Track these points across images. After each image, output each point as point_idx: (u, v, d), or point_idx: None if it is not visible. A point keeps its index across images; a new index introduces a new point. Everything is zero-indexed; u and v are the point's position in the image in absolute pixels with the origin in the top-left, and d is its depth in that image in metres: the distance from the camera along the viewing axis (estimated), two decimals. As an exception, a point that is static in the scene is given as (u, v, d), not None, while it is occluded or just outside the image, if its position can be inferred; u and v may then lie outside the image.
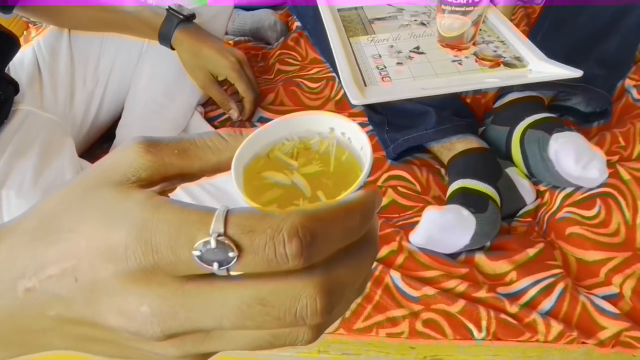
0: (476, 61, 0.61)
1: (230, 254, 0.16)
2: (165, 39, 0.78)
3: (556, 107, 0.84)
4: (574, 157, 0.68)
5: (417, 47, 0.64)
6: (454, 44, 0.62)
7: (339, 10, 0.71)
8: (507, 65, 0.60)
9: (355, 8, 0.72)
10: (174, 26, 0.77)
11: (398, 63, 0.61)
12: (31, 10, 0.76)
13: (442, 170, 0.79)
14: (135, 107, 0.83)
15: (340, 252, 0.18)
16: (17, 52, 0.70)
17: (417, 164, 0.81)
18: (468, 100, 0.88)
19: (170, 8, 0.78)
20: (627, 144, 0.77)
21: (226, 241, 0.16)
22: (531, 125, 0.74)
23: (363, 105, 0.88)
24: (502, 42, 0.63)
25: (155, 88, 0.82)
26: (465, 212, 0.65)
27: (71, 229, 0.19)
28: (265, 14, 1.09)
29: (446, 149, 0.77)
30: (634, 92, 0.86)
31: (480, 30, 0.62)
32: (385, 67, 0.60)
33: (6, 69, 0.69)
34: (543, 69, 0.56)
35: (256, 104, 0.88)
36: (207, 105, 0.92)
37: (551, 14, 0.85)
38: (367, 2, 0.73)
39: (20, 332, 0.21)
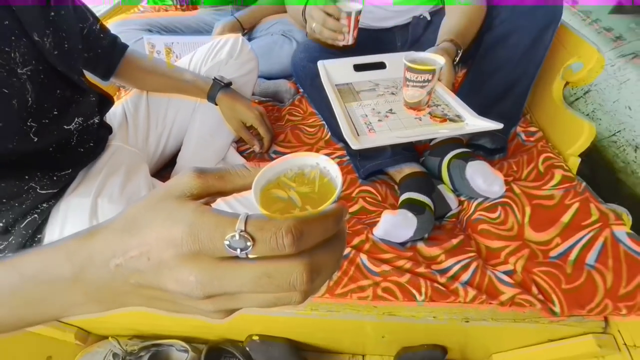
0: (430, 118, 0.60)
1: (248, 243, 0.18)
2: (211, 99, 0.79)
3: (471, 145, 0.84)
4: (483, 178, 0.68)
5: (391, 109, 0.63)
6: (415, 107, 0.61)
7: (336, 85, 0.71)
8: (451, 120, 0.59)
9: (347, 83, 0.72)
10: (217, 90, 0.78)
11: (379, 120, 0.60)
12: (123, 79, 0.76)
13: (396, 187, 0.78)
14: (190, 143, 0.83)
15: (320, 244, 0.20)
16: (111, 107, 0.70)
17: (379, 182, 0.80)
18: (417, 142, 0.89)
19: (215, 78, 0.79)
20: (518, 169, 0.78)
21: (245, 235, 0.18)
22: (454, 157, 0.74)
23: (341, 144, 0.89)
24: (446, 105, 0.63)
25: (204, 131, 0.82)
26: (409, 215, 0.65)
27: (146, 226, 0.20)
28: (282, 82, 1.10)
29: (398, 172, 0.76)
30: (523, 136, 0.87)
31: (431, 97, 0.61)
32: (370, 123, 0.60)
33: (104, 117, 0.69)
34: (475, 122, 0.56)
35: (272, 142, 0.88)
36: (239, 143, 0.92)
37: (467, 82, 0.84)
38: (354, 80, 0.73)
39: (112, 294, 0.22)
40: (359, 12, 0.67)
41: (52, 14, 0.52)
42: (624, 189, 1.24)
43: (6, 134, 0.46)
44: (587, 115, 1.48)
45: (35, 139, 0.50)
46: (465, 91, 0.83)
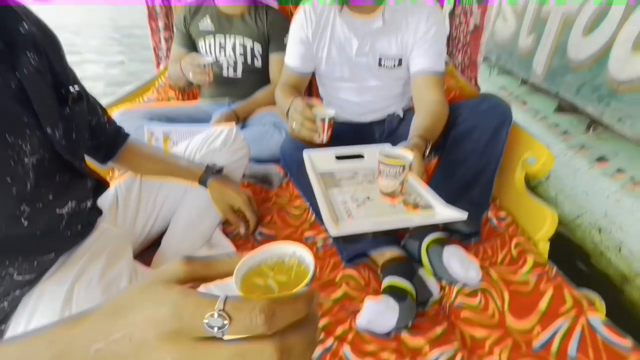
0: (404, 206, 0.63)
1: (225, 322, 0.20)
2: (203, 183, 0.82)
3: (448, 229, 0.87)
4: (459, 263, 0.70)
5: (368, 197, 0.67)
6: (390, 195, 0.65)
7: (320, 173, 0.76)
8: (422, 208, 0.62)
9: (329, 172, 0.77)
10: (209, 176, 0.82)
11: (357, 206, 0.63)
12: (121, 164, 0.79)
13: (379, 271, 0.78)
14: (178, 224, 0.83)
15: (293, 326, 0.21)
16: (106, 190, 0.71)
17: (362, 266, 0.80)
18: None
19: (208, 165, 0.83)
20: (493, 253, 0.81)
21: (223, 314, 0.20)
22: (432, 241, 0.77)
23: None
24: (418, 194, 0.67)
25: (192, 213, 0.83)
26: (392, 301, 0.64)
27: (133, 308, 0.22)
28: (271, 167, 1.16)
29: (380, 256, 0.78)
30: (494, 221, 0.93)
31: (404, 187, 0.65)
32: (349, 209, 0.62)
33: (97, 201, 0.70)
34: (443, 212, 0.59)
35: (257, 225, 0.90)
36: (225, 224, 0.93)
37: (439, 171, 0.92)
38: (336, 168, 0.78)
39: None
40: (331, 118, 0.78)
41: (68, 110, 0.58)
42: (597, 269, 1.28)
43: None
44: (551, 198, 1.60)
45: (26, 223, 0.50)
46: (437, 179, 0.91)
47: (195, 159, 0.86)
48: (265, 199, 1.06)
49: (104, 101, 0.84)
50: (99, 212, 0.70)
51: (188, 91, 1.54)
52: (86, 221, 0.65)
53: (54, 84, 0.56)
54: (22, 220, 0.50)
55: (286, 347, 0.20)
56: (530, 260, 0.75)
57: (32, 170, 0.50)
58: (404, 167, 0.63)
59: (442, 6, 1.65)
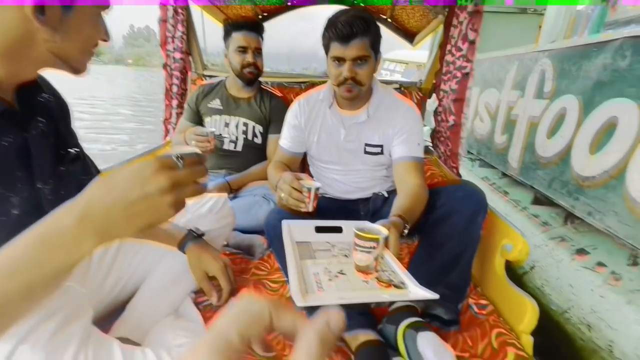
0: (377, 283, 0.62)
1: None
2: (182, 247, 0.82)
3: (429, 315, 0.84)
4: (433, 351, 0.66)
5: (341, 270, 0.65)
6: (363, 271, 0.64)
7: (297, 242, 0.76)
8: (396, 287, 0.61)
9: (307, 242, 0.77)
10: (189, 240, 0.82)
11: (329, 279, 0.61)
12: None
13: (352, 356, 0.74)
14: (149, 288, 0.80)
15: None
16: None
17: (335, 350, 0.75)
18: (372, 305, 0.89)
19: (190, 230, 0.84)
20: (473, 344, 0.77)
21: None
22: (407, 326, 0.74)
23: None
24: (392, 272, 0.66)
25: (166, 279, 0.81)
26: None
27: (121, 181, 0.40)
28: (256, 237, 1.16)
29: (353, 339, 0.74)
30: (475, 308, 0.90)
31: (379, 263, 0.64)
32: (321, 282, 0.60)
33: None
34: (415, 291, 0.58)
35: (231, 295, 0.87)
36: (197, 293, 0.89)
37: (419, 254, 0.92)
38: (314, 239, 0.78)
39: (107, 224, 0.39)
40: (317, 189, 0.83)
41: (63, 168, 0.61)
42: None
43: None
44: (538, 289, 1.56)
45: None
46: (418, 261, 0.91)
47: (179, 223, 0.87)
48: (244, 270, 1.03)
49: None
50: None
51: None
52: None
53: (56, 145, 0.60)
54: None
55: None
56: (511, 354, 0.71)
57: (16, 223, 0.51)
58: (378, 242, 0.63)
59: (425, 103, 1.87)
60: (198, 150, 0.91)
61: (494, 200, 2.23)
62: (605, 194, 1.43)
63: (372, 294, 0.60)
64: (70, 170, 0.64)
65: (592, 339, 1.24)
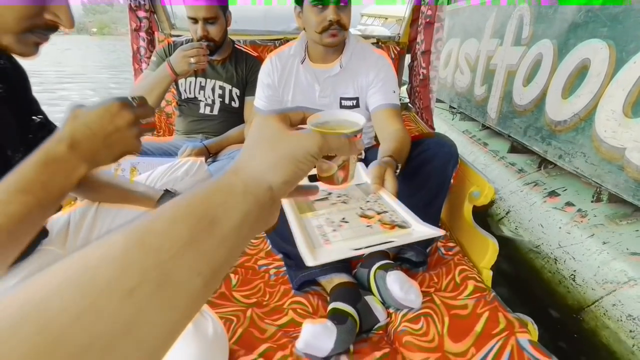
0: (380, 226, 0.54)
1: None
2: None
3: (398, 258, 0.90)
4: (399, 286, 0.72)
5: (344, 218, 0.58)
6: (327, 182, 0.47)
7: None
8: (399, 227, 0.52)
9: None
10: (166, 199, 0.83)
11: (333, 230, 0.54)
12: (77, 191, 0.79)
13: (328, 298, 0.79)
14: None
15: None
16: (56, 212, 0.72)
17: (312, 294, 0.81)
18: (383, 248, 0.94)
19: (166, 189, 0.85)
20: (438, 280, 0.83)
21: None
22: (378, 268, 0.79)
23: (280, 255, 0.90)
24: (393, 212, 0.58)
25: None
26: (329, 324, 0.64)
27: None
28: None
29: (328, 282, 0.79)
30: (443, 250, 0.95)
31: (349, 174, 0.47)
32: (326, 234, 0.54)
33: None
34: (420, 229, 0.50)
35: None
36: None
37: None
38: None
39: (95, 150, 0.48)
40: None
41: (31, 136, 0.61)
42: (556, 296, 1.29)
43: None
44: (512, 231, 1.65)
45: None
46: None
47: (155, 187, 0.88)
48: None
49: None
50: (44, 233, 0.70)
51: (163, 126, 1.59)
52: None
53: (20, 113, 0.59)
54: None
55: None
56: (470, 286, 0.77)
57: None
58: (347, 136, 0.37)
59: (404, 57, 1.82)
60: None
61: (473, 152, 2.26)
62: (574, 137, 1.46)
63: (379, 238, 0.52)
64: (39, 138, 0.64)
65: (558, 270, 1.34)
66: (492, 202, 1.92)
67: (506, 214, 1.75)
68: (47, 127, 0.68)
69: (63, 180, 0.45)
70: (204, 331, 0.57)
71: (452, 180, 0.98)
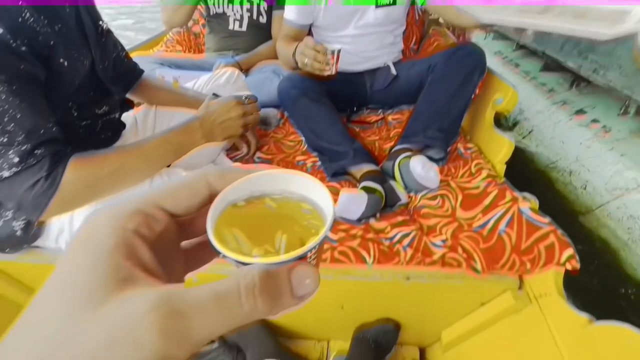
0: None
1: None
2: None
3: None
4: (421, 166, 0.83)
5: None
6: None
7: None
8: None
9: None
10: None
11: None
12: (137, 95, 0.92)
13: (357, 184, 0.90)
14: None
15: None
16: (130, 109, 0.87)
17: (344, 183, 0.92)
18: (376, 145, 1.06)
19: (214, 93, 0.96)
20: (455, 171, 0.94)
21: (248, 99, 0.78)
22: (404, 158, 0.90)
23: (315, 153, 1.04)
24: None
25: None
26: (362, 193, 0.78)
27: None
28: (271, 110, 1.26)
29: (358, 171, 0.90)
30: (462, 150, 1.05)
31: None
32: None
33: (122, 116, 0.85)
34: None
35: (257, 148, 1.04)
36: (228, 151, 1.06)
37: (420, 102, 1.02)
38: None
39: (212, 132, 0.79)
40: (339, 51, 0.90)
41: (103, 39, 0.73)
42: (565, 204, 1.41)
43: (55, 108, 0.62)
44: (532, 150, 1.71)
45: (75, 114, 0.65)
46: (418, 109, 1.02)
47: (204, 92, 1.00)
48: (263, 135, 1.19)
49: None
50: (123, 125, 0.85)
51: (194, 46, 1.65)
52: (115, 129, 0.80)
53: (93, 18, 0.71)
54: (72, 111, 0.65)
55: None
56: (484, 173, 0.89)
57: (83, 79, 0.65)
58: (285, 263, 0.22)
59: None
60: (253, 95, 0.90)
61: (504, 73, 2.20)
62: (614, 48, 1.42)
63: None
64: (107, 42, 0.75)
65: (571, 182, 1.43)
66: (515, 124, 1.95)
67: (528, 133, 1.79)
68: (111, 34, 0.79)
69: (189, 144, 0.72)
70: None
71: (477, 90, 1.04)
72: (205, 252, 0.19)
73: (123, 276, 0.13)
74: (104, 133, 0.76)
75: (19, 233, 0.68)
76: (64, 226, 0.70)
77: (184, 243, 0.18)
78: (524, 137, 1.80)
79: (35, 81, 0.55)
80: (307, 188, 0.18)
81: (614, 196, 1.24)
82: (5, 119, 0.51)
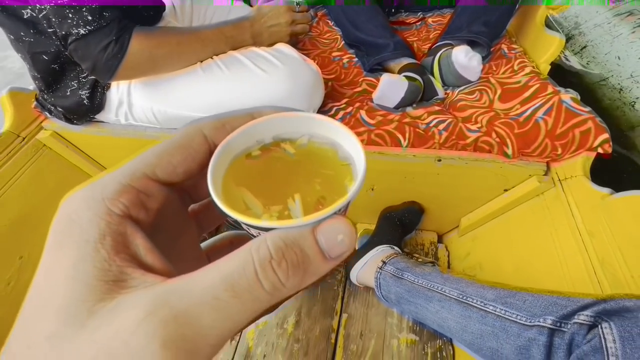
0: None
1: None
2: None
3: None
4: (464, 53, 0.84)
5: None
6: None
7: None
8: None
9: None
10: None
11: None
12: None
13: None
14: None
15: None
16: None
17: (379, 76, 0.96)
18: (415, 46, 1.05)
19: None
20: (497, 69, 0.93)
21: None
22: (444, 52, 0.90)
23: (352, 50, 1.04)
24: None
25: None
26: (403, 79, 0.81)
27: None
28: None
29: (397, 64, 0.92)
30: (506, 50, 1.02)
31: None
32: None
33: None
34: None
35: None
36: None
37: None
38: None
39: (260, 35, 0.82)
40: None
41: None
42: (608, 120, 1.39)
43: None
44: (582, 66, 1.62)
45: None
46: (464, 3, 0.97)
47: None
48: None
49: None
50: (163, 6, 0.87)
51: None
52: (156, 10, 0.83)
53: None
54: None
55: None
56: (527, 70, 0.88)
57: None
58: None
59: None
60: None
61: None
62: None
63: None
64: None
65: (620, 98, 1.39)
66: (569, 38, 1.81)
67: (581, 49, 1.67)
68: None
69: (239, 40, 0.77)
70: (303, 73, 0.76)
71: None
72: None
73: (112, 277, 0.11)
74: (145, 11, 0.79)
75: (85, 102, 0.77)
76: (123, 98, 0.78)
77: (193, 206, 0.16)
78: (575, 54, 1.70)
79: None
80: (332, 132, 0.15)
81: (662, 112, 1.21)
82: None
